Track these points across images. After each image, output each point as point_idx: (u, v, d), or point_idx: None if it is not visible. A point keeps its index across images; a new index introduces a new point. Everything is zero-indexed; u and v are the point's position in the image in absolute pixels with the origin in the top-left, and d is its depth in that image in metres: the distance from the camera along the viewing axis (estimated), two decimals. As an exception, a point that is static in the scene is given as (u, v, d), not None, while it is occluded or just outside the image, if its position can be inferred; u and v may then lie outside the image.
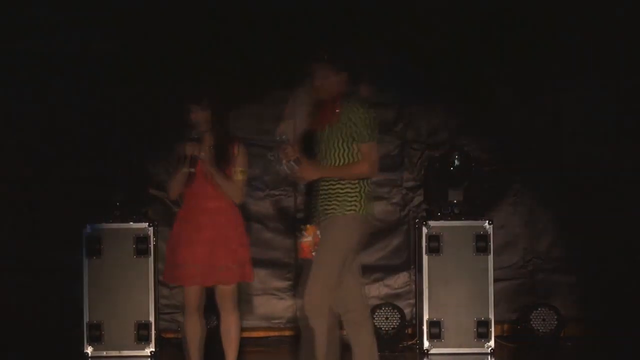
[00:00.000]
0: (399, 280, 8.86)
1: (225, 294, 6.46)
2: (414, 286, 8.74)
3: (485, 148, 8.90)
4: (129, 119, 8.63)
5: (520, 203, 8.90)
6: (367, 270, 8.82)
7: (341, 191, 6.10)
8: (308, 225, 6.21)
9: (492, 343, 8.18)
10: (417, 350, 8.32)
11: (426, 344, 8.21)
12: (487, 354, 8.16)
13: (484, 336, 8.17)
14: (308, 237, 6.20)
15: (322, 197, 6.18)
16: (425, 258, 8.23)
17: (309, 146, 6.38)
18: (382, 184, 8.90)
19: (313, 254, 6.16)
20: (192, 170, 6.37)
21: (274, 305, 8.79)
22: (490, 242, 8.22)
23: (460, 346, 8.19)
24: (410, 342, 8.47)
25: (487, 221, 8.28)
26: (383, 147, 8.91)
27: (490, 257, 8.22)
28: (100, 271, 8.00)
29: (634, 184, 8.79)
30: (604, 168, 8.81)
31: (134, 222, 8.12)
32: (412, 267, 8.77)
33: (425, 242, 8.24)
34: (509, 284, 8.81)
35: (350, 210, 6.09)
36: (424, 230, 8.25)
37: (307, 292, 6.07)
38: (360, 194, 6.11)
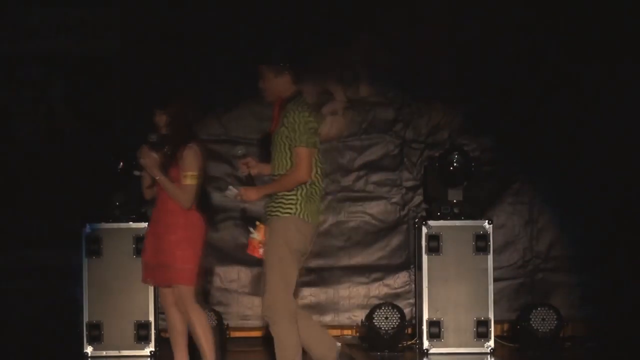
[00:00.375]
0: (399, 280, 8.86)
1: (177, 294, 6.45)
2: (413, 286, 8.74)
3: (485, 148, 8.90)
4: (129, 119, 8.63)
5: (520, 203, 8.89)
6: (367, 270, 8.84)
7: (280, 193, 6.11)
8: (259, 223, 6.23)
9: (491, 343, 8.18)
10: (417, 350, 8.32)
11: (426, 343, 8.21)
12: (486, 353, 8.16)
13: (483, 336, 8.17)
14: (256, 235, 6.23)
15: (267, 198, 6.20)
16: (424, 258, 8.23)
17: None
18: (381, 184, 8.91)
19: (260, 251, 6.20)
20: (138, 173, 6.42)
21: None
22: (490, 241, 8.22)
23: (459, 346, 8.18)
24: (410, 342, 8.46)
25: (487, 221, 8.28)
26: (383, 146, 8.93)
27: (490, 257, 8.22)
28: (100, 271, 8.00)
29: (634, 184, 8.80)
30: (603, 168, 8.82)
31: (134, 222, 8.12)
32: (412, 266, 8.77)
33: (425, 241, 8.23)
34: (509, 283, 8.81)
35: (286, 212, 6.08)
36: (424, 229, 8.25)
37: (263, 299, 6.12)
38: (298, 196, 6.08)
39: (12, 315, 8.38)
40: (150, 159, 6.35)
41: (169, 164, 6.35)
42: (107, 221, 8.11)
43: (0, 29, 8.71)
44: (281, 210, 6.08)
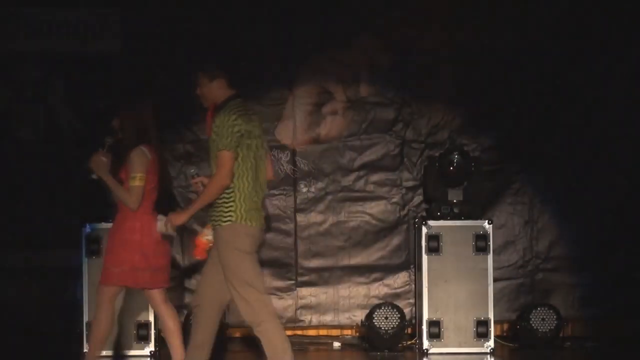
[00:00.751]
0: (399, 280, 8.86)
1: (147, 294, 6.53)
2: (413, 286, 8.74)
3: (485, 148, 8.90)
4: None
5: (519, 203, 8.90)
6: (367, 270, 8.85)
7: (219, 201, 6.12)
8: (209, 225, 6.29)
9: (491, 343, 8.18)
10: (417, 350, 8.32)
11: (426, 343, 8.21)
12: (486, 353, 8.16)
13: (483, 336, 8.17)
14: (206, 236, 6.30)
15: (211, 204, 6.20)
16: (424, 258, 8.23)
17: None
18: (382, 184, 8.91)
19: (206, 253, 6.28)
20: (94, 177, 6.47)
21: (274, 305, 8.76)
22: (489, 241, 8.23)
23: (459, 346, 8.18)
24: (409, 342, 8.47)
25: (487, 221, 8.28)
26: (383, 146, 8.93)
27: (490, 257, 8.22)
28: (100, 271, 7.97)
29: (634, 184, 8.80)
30: (603, 168, 8.83)
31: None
32: (412, 266, 8.77)
33: (425, 241, 8.24)
34: (509, 283, 8.81)
35: (227, 220, 6.09)
36: (424, 229, 8.26)
37: (239, 308, 6.18)
38: (237, 202, 6.08)
39: (12, 315, 8.37)
40: (97, 161, 6.38)
41: (118, 166, 6.37)
42: (107, 221, 8.06)
43: (0, 29, 8.71)
44: (222, 219, 6.10)
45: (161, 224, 6.25)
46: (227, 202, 6.08)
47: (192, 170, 6.62)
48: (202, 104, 6.30)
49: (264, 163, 6.22)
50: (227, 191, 6.07)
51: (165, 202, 6.61)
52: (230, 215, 6.07)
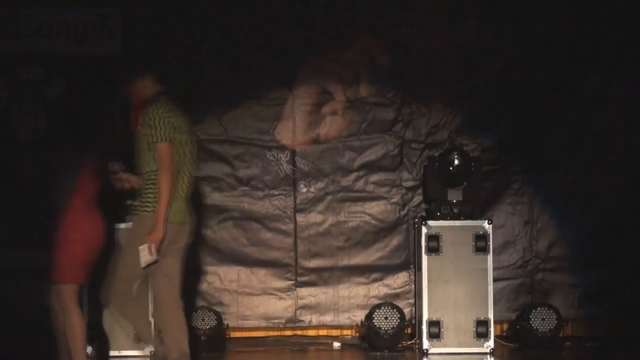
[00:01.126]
0: (399, 280, 8.86)
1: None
2: (413, 286, 8.74)
3: (485, 148, 8.90)
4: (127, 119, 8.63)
5: (519, 203, 8.89)
6: (367, 270, 8.84)
7: (146, 191, 6.27)
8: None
9: (491, 343, 8.19)
10: (417, 350, 8.33)
11: (425, 343, 8.21)
12: (486, 353, 8.16)
13: (483, 336, 8.17)
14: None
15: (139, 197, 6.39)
16: (424, 258, 8.24)
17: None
18: (381, 184, 8.91)
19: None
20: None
21: (273, 305, 8.80)
22: (489, 241, 8.23)
23: (459, 346, 8.19)
24: (409, 342, 8.48)
25: (487, 221, 8.29)
26: (383, 146, 8.93)
27: (490, 257, 8.22)
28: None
29: (634, 184, 8.80)
30: (603, 168, 8.82)
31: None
32: (412, 266, 8.77)
33: (425, 241, 8.24)
34: (508, 283, 8.81)
35: (144, 210, 6.25)
36: (424, 229, 8.26)
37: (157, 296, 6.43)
38: (157, 194, 6.21)
39: (12, 315, 8.37)
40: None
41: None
42: (107, 221, 8.09)
43: (0, 29, 8.71)
44: (141, 208, 6.26)
45: (145, 254, 6.23)
46: (153, 193, 6.21)
47: (116, 166, 6.74)
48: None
49: (189, 159, 6.33)
50: (150, 182, 6.21)
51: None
52: (152, 206, 6.21)
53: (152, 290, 6.61)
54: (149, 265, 6.25)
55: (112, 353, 8.00)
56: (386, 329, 8.31)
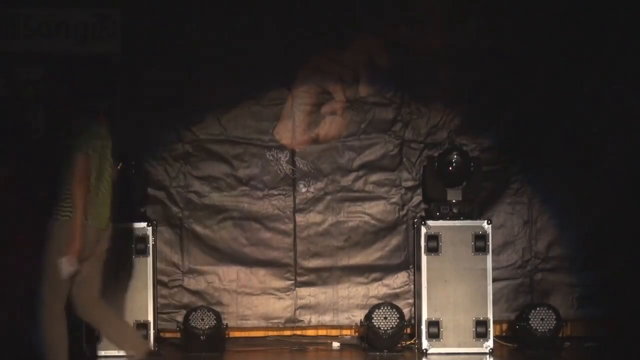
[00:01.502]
0: (398, 280, 8.86)
1: None
2: (412, 286, 8.74)
3: (485, 148, 8.90)
4: (128, 118, 8.64)
5: (519, 203, 8.89)
6: (366, 270, 8.84)
7: (63, 197, 6.33)
8: None
9: (490, 343, 8.19)
10: (416, 350, 8.33)
11: (425, 343, 8.22)
12: (485, 353, 8.17)
13: (482, 336, 8.18)
14: None
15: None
16: (424, 258, 8.24)
17: None
18: (381, 184, 8.91)
19: None
20: None
21: (273, 305, 8.80)
22: (489, 241, 8.23)
23: (459, 346, 8.19)
24: (409, 342, 8.48)
25: (486, 221, 8.29)
26: (382, 146, 8.93)
27: (489, 257, 8.23)
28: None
29: (634, 184, 8.80)
30: (603, 168, 8.82)
31: (134, 221, 8.12)
32: (411, 266, 8.77)
33: (424, 241, 8.24)
34: (508, 283, 8.81)
35: (65, 215, 6.29)
36: (423, 229, 8.26)
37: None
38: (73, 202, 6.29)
39: (12, 315, 8.37)
40: None
41: None
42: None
43: (0, 29, 8.72)
44: (61, 214, 6.30)
45: (65, 266, 6.28)
46: (69, 199, 6.26)
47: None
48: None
49: (109, 163, 6.44)
50: (69, 188, 6.27)
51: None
52: (69, 211, 6.26)
53: (72, 294, 6.51)
54: (70, 275, 6.32)
55: (111, 352, 7.98)
56: (385, 329, 8.31)
